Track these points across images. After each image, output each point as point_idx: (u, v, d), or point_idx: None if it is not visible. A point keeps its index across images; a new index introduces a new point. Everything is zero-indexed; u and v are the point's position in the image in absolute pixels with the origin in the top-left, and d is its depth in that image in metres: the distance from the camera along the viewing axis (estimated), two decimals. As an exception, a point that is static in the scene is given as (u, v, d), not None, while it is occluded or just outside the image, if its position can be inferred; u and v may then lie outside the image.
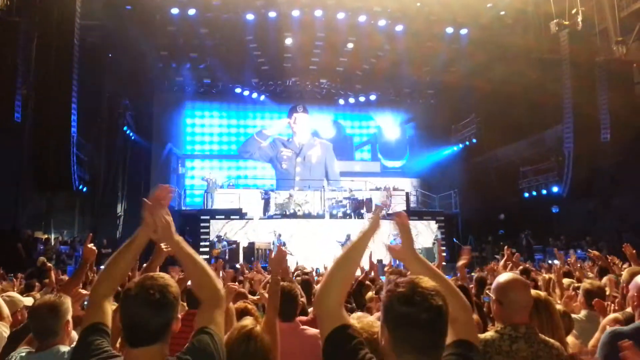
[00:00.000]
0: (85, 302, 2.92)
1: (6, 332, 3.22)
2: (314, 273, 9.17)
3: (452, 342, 1.66)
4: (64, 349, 2.52)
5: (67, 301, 2.68)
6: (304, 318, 3.86)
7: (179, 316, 1.82)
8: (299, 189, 20.10)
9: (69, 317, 2.63)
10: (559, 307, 3.05)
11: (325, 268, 8.86)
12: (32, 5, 14.31)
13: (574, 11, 16.04)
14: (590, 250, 6.78)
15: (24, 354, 2.58)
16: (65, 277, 7.47)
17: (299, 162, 23.65)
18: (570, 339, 2.99)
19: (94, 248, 3.33)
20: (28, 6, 14.27)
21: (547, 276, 4.94)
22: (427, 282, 1.56)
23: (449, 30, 19.71)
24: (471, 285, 5.47)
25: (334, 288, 1.74)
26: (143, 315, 1.68)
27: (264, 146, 23.68)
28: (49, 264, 8.59)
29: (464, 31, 19.73)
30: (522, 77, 17.74)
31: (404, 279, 1.59)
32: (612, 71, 16.44)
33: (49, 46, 14.10)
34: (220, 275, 4.67)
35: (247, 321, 2.39)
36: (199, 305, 1.91)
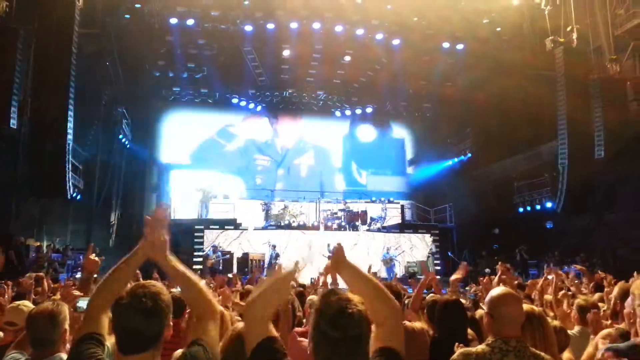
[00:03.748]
0: (77, 304, 2.89)
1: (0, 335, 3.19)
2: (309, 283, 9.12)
3: (377, 349, 1.72)
4: (65, 356, 2.50)
5: (65, 309, 2.67)
6: (299, 329, 3.87)
7: (171, 323, 1.83)
8: (291, 202, 19.72)
9: (67, 325, 2.62)
10: (554, 323, 3.05)
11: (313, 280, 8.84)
12: (30, 12, 14.33)
13: (569, 28, 16.29)
14: (576, 266, 6.81)
15: None
16: (58, 285, 7.40)
17: (280, 176, 21.11)
18: (566, 355, 2.98)
19: (97, 259, 3.28)
20: (27, 13, 14.29)
21: (548, 297, 4.92)
22: (353, 305, 1.64)
23: (446, 44, 19.88)
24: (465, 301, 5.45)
25: (260, 306, 1.78)
26: (135, 323, 1.70)
27: (230, 151, 20.31)
28: (40, 274, 8.50)
29: (460, 46, 19.90)
30: (518, 93, 17.89)
31: (333, 299, 1.67)
32: (606, 88, 16.59)
33: (47, 53, 14.11)
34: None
35: (242, 324, 2.41)
36: (185, 314, 1.94)
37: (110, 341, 2.62)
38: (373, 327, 1.75)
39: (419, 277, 14.35)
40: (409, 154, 25.35)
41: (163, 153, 22.66)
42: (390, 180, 23.28)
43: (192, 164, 21.56)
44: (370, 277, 1.87)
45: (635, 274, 6.03)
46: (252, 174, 19.63)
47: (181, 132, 22.84)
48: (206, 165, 21.06)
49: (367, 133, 23.98)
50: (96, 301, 1.94)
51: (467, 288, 9.82)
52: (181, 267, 1.97)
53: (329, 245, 16.46)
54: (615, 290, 3.69)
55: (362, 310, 1.64)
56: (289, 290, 1.95)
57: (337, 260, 1.87)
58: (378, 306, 1.75)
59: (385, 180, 23.09)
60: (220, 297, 4.91)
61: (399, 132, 25.32)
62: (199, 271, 14.16)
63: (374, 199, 21.17)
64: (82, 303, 2.71)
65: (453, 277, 4.30)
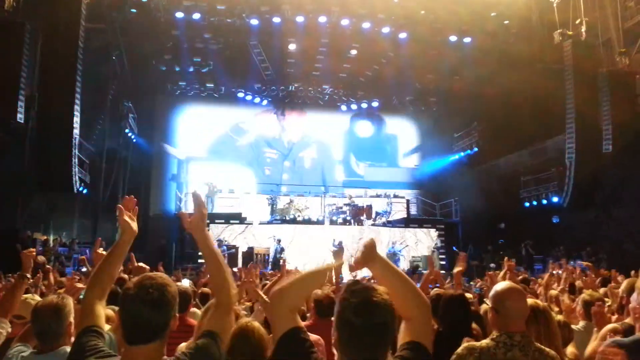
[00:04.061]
0: (81, 296, 2.92)
1: (9, 330, 3.21)
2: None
3: (404, 342, 1.72)
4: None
5: (70, 302, 2.69)
6: (302, 323, 3.85)
7: (177, 315, 1.85)
8: (296, 196, 19.77)
9: (72, 318, 2.63)
10: (558, 317, 3.03)
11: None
12: (37, 7, 14.39)
13: (577, 21, 16.13)
14: (582, 263, 6.75)
15: (26, 354, 2.56)
16: (64, 279, 7.46)
17: (287, 167, 21.97)
18: (570, 349, 2.97)
19: (104, 253, 3.30)
20: (34, 8, 14.35)
21: (553, 292, 4.90)
22: (378, 294, 1.63)
23: (453, 38, 19.76)
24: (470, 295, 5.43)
25: (291, 295, 1.81)
26: (142, 313, 1.72)
27: (242, 145, 21.72)
28: (48, 266, 8.57)
29: (467, 39, 19.77)
30: (526, 86, 17.75)
31: (358, 288, 1.66)
32: (615, 82, 16.42)
33: (54, 48, 14.18)
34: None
35: (246, 319, 2.52)
36: (190, 308, 1.94)
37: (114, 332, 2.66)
38: (402, 322, 1.76)
39: (423, 271, 14.34)
40: (405, 147, 25.23)
41: (172, 146, 22.72)
42: (385, 171, 23.55)
43: (208, 157, 22.23)
44: (400, 272, 1.85)
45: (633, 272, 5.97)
46: (262, 166, 21.02)
47: (190, 127, 22.96)
48: (221, 158, 21.89)
49: (365, 128, 24.13)
50: (89, 295, 1.98)
51: (471, 283, 9.81)
52: (215, 248, 2.01)
53: (334, 240, 16.47)
54: (623, 284, 3.67)
55: (387, 299, 1.63)
56: (322, 283, 1.95)
57: (369, 254, 1.83)
58: (408, 301, 1.74)
59: (381, 171, 23.36)
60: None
61: (399, 126, 25.20)
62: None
63: (379, 193, 21.15)
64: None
65: (455, 269, 4.27)
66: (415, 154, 25.07)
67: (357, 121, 23.45)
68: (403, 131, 24.99)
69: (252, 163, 21.39)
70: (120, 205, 2.14)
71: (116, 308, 3.07)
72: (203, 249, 1.99)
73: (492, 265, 15.24)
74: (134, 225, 2.13)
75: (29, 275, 3.34)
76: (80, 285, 3.22)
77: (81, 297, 2.92)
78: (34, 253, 3.50)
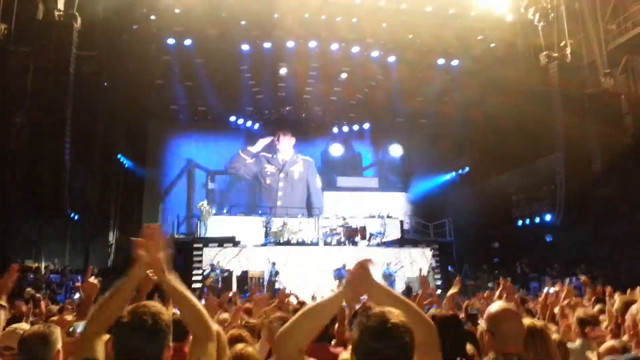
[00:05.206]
0: (71, 329, 2.87)
1: None
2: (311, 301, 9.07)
3: None
4: None
5: (57, 331, 2.63)
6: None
7: (171, 344, 1.82)
8: (285, 211, 20.20)
9: (59, 346, 2.58)
10: (554, 336, 3.04)
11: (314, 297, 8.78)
12: (29, 34, 14.48)
13: (562, 44, 16.49)
14: (581, 276, 6.74)
15: None
16: (54, 308, 7.34)
17: (282, 178, 24.21)
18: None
19: (96, 282, 3.24)
20: (25, 35, 14.44)
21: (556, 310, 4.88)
22: (396, 316, 1.60)
23: (441, 61, 20.07)
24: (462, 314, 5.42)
25: (297, 334, 1.76)
26: (136, 341, 1.69)
27: (249, 163, 24.28)
28: (38, 295, 8.45)
29: (455, 62, 20.08)
30: (514, 108, 18.00)
31: (375, 312, 1.62)
32: (601, 103, 16.72)
33: (45, 75, 14.22)
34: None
35: (240, 345, 2.54)
36: (189, 338, 1.94)
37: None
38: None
39: (419, 292, 14.25)
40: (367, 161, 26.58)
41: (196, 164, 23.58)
42: (355, 180, 25.30)
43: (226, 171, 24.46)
44: (402, 298, 1.81)
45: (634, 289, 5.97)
46: (263, 177, 24.26)
47: (196, 150, 23.83)
48: (234, 174, 24.39)
49: (337, 149, 25.66)
50: (91, 327, 1.94)
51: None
52: (181, 287, 1.97)
53: (344, 265, 15.28)
54: (617, 303, 3.69)
55: (404, 320, 1.60)
56: (331, 316, 1.88)
57: (365, 279, 1.78)
58: (413, 326, 1.67)
59: (351, 180, 25.07)
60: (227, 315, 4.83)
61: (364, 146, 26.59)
62: (198, 290, 14.10)
63: (372, 214, 21.17)
64: (80, 326, 2.69)
65: (449, 292, 4.29)
66: (370, 164, 26.74)
67: (331, 144, 25.80)
68: (367, 150, 26.90)
69: (256, 175, 24.49)
70: (134, 239, 1.95)
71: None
72: (170, 291, 1.96)
73: (489, 284, 15.23)
74: (151, 259, 1.94)
75: (3, 303, 3.22)
76: (69, 318, 3.16)
77: (71, 329, 2.88)
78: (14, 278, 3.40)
